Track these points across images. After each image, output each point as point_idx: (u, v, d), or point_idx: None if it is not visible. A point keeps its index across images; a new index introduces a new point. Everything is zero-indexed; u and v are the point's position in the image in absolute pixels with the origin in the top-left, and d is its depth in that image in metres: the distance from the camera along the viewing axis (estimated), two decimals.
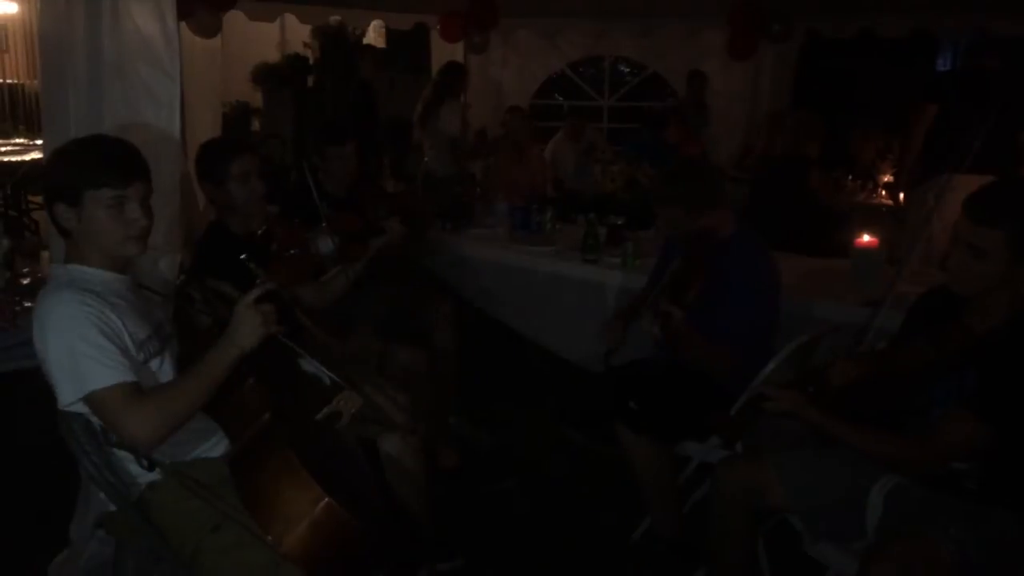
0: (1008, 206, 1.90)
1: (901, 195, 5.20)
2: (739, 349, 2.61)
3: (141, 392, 1.79)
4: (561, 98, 9.10)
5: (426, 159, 6.13)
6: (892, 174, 5.73)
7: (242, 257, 2.01)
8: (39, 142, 6.42)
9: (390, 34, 8.13)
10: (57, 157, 1.92)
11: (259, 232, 2.86)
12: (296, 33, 7.47)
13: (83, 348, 1.76)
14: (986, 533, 1.89)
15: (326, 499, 1.70)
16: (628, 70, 8.90)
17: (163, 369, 1.95)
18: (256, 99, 7.44)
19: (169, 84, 2.58)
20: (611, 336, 2.89)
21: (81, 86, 2.47)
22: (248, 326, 1.80)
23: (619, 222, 4.16)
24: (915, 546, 1.84)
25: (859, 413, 1.97)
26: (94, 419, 1.84)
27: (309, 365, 2.22)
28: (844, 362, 1.95)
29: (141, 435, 1.76)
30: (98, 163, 1.86)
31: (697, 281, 2.55)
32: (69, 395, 1.78)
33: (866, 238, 3.43)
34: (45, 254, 3.22)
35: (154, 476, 1.91)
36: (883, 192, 5.76)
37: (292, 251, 2.90)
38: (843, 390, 1.92)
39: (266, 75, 7.30)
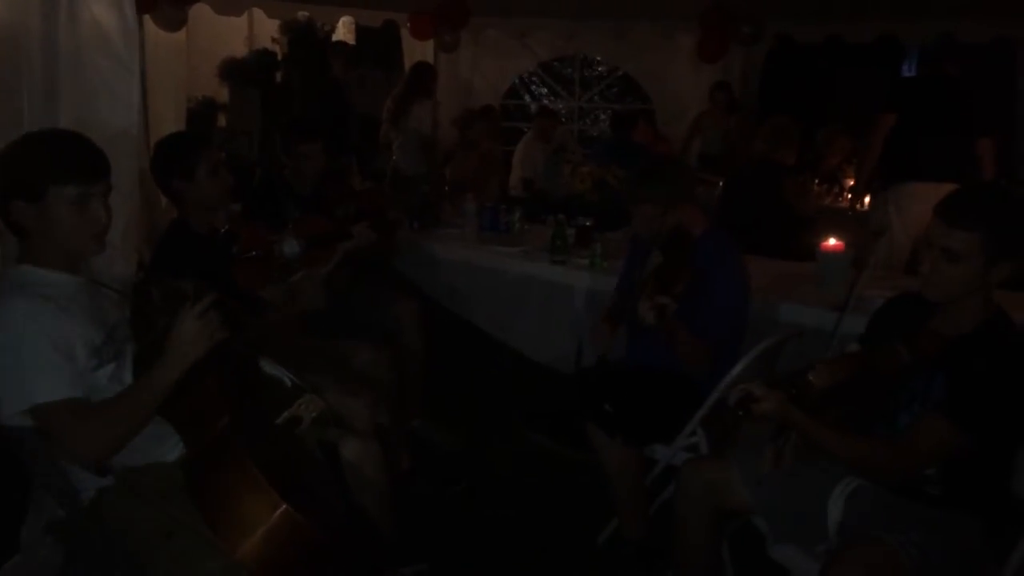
0: (983, 209, 1.90)
1: (866, 199, 5.25)
2: (714, 347, 2.63)
3: (87, 408, 1.75)
4: (529, 99, 9.09)
5: (395, 158, 6.09)
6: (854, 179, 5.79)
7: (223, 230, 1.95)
8: None
9: (359, 31, 8.05)
10: (16, 150, 1.85)
11: (222, 231, 2.81)
12: (264, 28, 7.37)
13: (31, 360, 1.71)
14: (948, 538, 1.90)
15: (283, 506, 1.67)
16: (602, 70, 8.89)
17: (119, 373, 1.89)
18: (222, 95, 7.33)
19: (128, 77, 2.54)
20: (601, 343, 2.88)
21: (36, 79, 2.41)
22: (193, 336, 1.75)
23: (587, 223, 4.14)
24: (876, 550, 1.84)
25: (839, 416, 1.97)
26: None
27: (270, 367, 2.18)
28: (824, 364, 1.94)
29: (87, 452, 1.74)
30: (64, 158, 1.81)
31: (682, 274, 2.57)
32: (13, 406, 1.73)
33: (832, 242, 3.45)
34: None
35: (105, 481, 1.86)
36: (848, 196, 5.81)
37: (254, 253, 2.85)
38: (825, 393, 1.91)
39: (233, 70, 7.19)
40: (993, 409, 1.86)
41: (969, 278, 1.90)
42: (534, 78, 9.08)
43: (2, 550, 2.49)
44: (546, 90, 9.15)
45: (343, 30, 7.98)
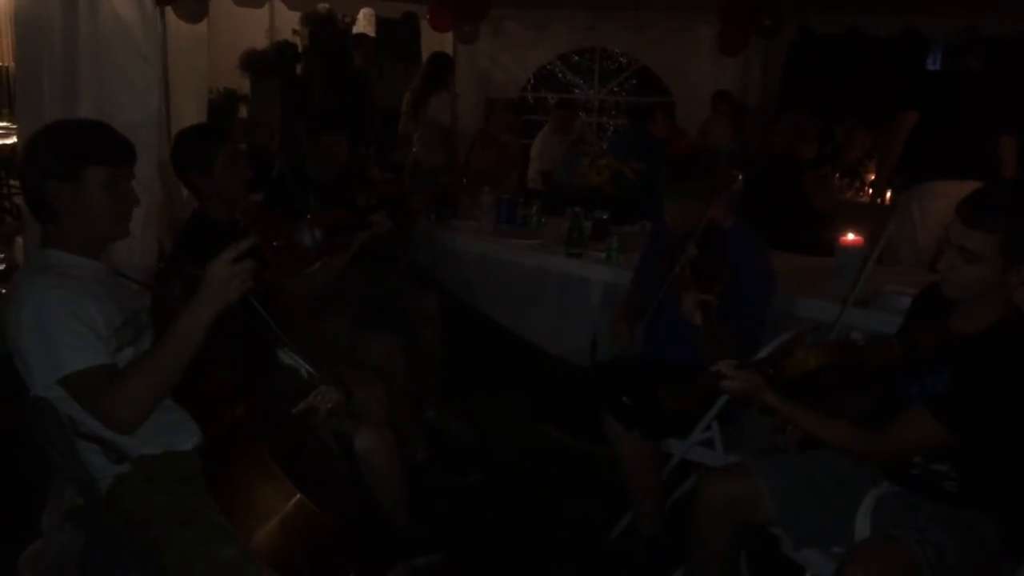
0: (1003, 210, 1.87)
1: (888, 194, 5.20)
2: (739, 340, 2.61)
3: (117, 373, 1.76)
4: (548, 93, 9.06)
5: (415, 150, 6.10)
6: (875, 174, 5.74)
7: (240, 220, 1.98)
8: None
9: (379, 22, 8.06)
10: (50, 134, 1.91)
11: (241, 222, 2.82)
12: (285, 20, 7.40)
13: (58, 332, 1.74)
14: (964, 536, 1.89)
15: (297, 495, 1.68)
16: (622, 62, 8.84)
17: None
18: (244, 86, 7.37)
19: (147, 69, 2.56)
20: (623, 342, 2.88)
21: (56, 71, 2.44)
22: (222, 284, 1.71)
23: (604, 216, 4.13)
24: (892, 548, 1.83)
25: (821, 403, 1.96)
26: (62, 410, 1.81)
27: (287, 357, 2.19)
28: (807, 350, 1.94)
29: (121, 415, 1.72)
30: (98, 141, 1.89)
31: (722, 270, 2.58)
32: (45, 379, 1.76)
33: (851, 236, 3.42)
34: (19, 239, 3.18)
35: (122, 469, 1.88)
36: (869, 190, 5.76)
37: (275, 243, 2.86)
38: (804, 376, 1.91)
39: (254, 62, 7.22)
40: (983, 409, 1.84)
41: (986, 279, 1.88)
42: (555, 71, 9.05)
43: (23, 535, 2.53)
44: (566, 83, 9.11)
45: (363, 22, 7.99)
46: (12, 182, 6.58)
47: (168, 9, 4.60)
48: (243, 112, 7.16)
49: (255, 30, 7.35)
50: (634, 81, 8.77)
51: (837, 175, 5.87)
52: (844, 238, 3.43)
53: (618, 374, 2.90)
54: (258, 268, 1.76)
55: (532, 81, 8.48)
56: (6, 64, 9.18)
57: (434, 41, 7.31)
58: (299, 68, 7.41)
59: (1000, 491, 1.95)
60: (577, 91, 9.03)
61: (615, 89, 8.90)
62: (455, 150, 6.33)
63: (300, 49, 7.46)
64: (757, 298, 2.77)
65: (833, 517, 2.07)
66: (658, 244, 3.03)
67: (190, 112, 5.24)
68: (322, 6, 7.07)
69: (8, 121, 7.94)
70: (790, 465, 2.18)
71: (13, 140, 6.72)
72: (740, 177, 5.29)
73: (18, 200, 6.35)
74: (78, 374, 1.73)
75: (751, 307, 2.72)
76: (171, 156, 2.69)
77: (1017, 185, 2.53)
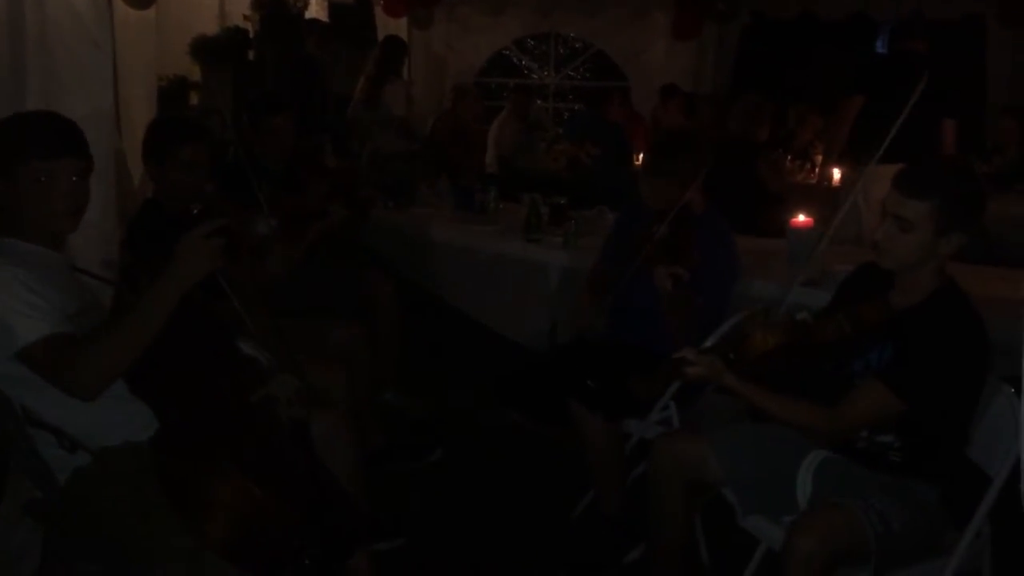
0: (936, 180, 1.97)
1: (835, 175, 5.30)
2: (703, 324, 2.67)
3: (75, 340, 1.75)
4: (504, 78, 9.06)
5: (372, 138, 6.08)
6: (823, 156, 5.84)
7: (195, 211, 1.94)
8: None
9: (332, 8, 7.97)
10: None
11: (194, 211, 2.80)
12: (236, 5, 7.28)
13: (12, 304, 1.72)
14: (908, 504, 1.96)
15: (248, 486, 1.69)
16: (578, 47, 8.87)
17: None
18: (195, 73, 7.24)
19: (100, 57, 2.52)
20: (590, 315, 2.91)
21: (3, 61, 2.39)
22: (193, 257, 1.72)
23: (562, 201, 4.16)
24: (838, 515, 1.90)
25: (777, 381, 2.02)
26: (15, 400, 1.79)
27: (247, 346, 2.19)
28: (764, 330, 2.00)
29: (84, 380, 1.71)
30: (30, 136, 1.84)
31: (692, 250, 2.63)
32: (2, 352, 1.73)
33: (801, 218, 3.49)
34: None
35: (81, 462, 1.87)
36: (817, 172, 5.87)
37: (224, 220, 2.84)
38: (762, 357, 1.98)
39: (204, 48, 7.10)
40: (930, 379, 1.92)
41: (920, 247, 1.96)
42: (511, 56, 9.05)
43: None
44: (522, 68, 9.11)
45: (316, 7, 7.90)
46: None
47: None
48: (194, 99, 7.05)
49: (205, 15, 7.22)
50: (590, 66, 8.81)
51: (789, 158, 5.97)
52: (795, 220, 3.50)
53: (579, 357, 2.93)
54: (229, 247, 1.76)
55: (487, 67, 8.47)
56: None
57: (388, 27, 7.26)
58: (251, 54, 7.30)
59: (941, 459, 2.03)
60: (533, 76, 9.04)
61: (571, 74, 8.93)
62: (416, 136, 6.31)
63: (251, 35, 7.35)
64: (724, 284, 2.82)
65: (781, 484, 2.13)
66: (628, 225, 3.06)
67: (140, 100, 5.16)
68: None
69: None
70: (740, 431, 2.26)
71: None
72: None
73: None
74: (38, 343, 1.71)
75: (717, 292, 2.77)
76: (143, 142, 2.70)
77: (951, 159, 2.65)
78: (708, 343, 2.55)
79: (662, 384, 2.23)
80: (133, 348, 1.73)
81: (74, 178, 1.87)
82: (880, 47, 8.78)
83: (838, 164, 5.10)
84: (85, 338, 1.76)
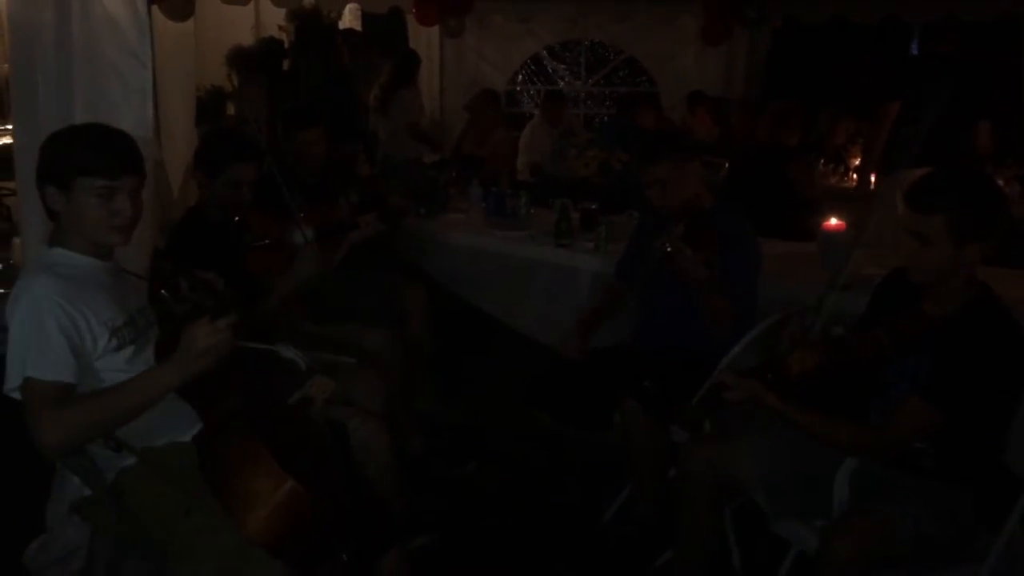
0: (943, 192, 1.95)
1: (872, 179, 5.26)
2: (736, 313, 2.70)
3: (70, 398, 1.78)
4: (535, 85, 9.09)
5: (383, 146, 6.17)
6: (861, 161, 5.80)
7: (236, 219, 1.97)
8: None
9: (365, 18, 8.07)
10: (55, 140, 1.94)
11: (235, 221, 2.86)
12: (271, 16, 7.39)
13: (37, 337, 1.77)
14: (942, 509, 1.96)
15: (289, 481, 1.73)
16: (609, 54, 8.89)
17: (139, 356, 1.97)
18: (231, 84, 7.37)
19: (140, 69, 2.58)
20: (574, 346, 2.97)
21: (50, 72, 2.47)
22: (201, 350, 1.73)
23: (592, 206, 4.19)
24: (873, 521, 1.91)
25: (818, 400, 2.02)
26: None
27: (285, 350, 2.24)
28: (803, 350, 2.00)
29: (49, 438, 1.73)
30: (92, 151, 1.88)
31: (712, 236, 2.65)
32: (13, 379, 1.78)
33: (833, 221, 3.48)
34: (17, 240, 3.20)
35: (127, 461, 1.93)
36: (853, 176, 5.83)
37: (267, 241, 2.90)
38: (802, 377, 1.98)
39: (240, 59, 7.21)
40: (969, 389, 1.91)
41: (942, 261, 1.95)
42: (542, 62, 9.08)
43: (28, 530, 2.57)
44: (553, 74, 9.14)
45: (349, 17, 8.00)
46: (3, 184, 6.55)
47: (154, 8, 4.62)
48: (231, 109, 7.17)
49: (241, 27, 7.34)
50: (621, 72, 8.82)
51: (822, 161, 5.94)
52: (827, 223, 3.49)
53: (619, 361, 2.95)
54: (234, 338, 1.76)
55: (519, 74, 8.52)
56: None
57: (420, 35, 7.33)
58: (286, 64, 7.41)
59: (974, 464, 2.02)
60: (564, 83, 9.06)
61: (601, 81, 8.94)
62: (430, 142, 6.39)
63: (286, 45, 7.46)
64: (745, 274, 2.83)
65: (814, 488, 2.13)
66: (642, 238, 3.08)
67: (178, 111, 5.26)
68: (308, 2, 7.08)
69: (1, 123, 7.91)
70: (772, 434, 2.25)
71: (7, 141, 6.70)
72: (727, 165, 5.36)
73: (8, 202, 6.35)
74: (34, 382, 1.75)
75: (740, 283, 2.78)
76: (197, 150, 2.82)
77: (960, 168, 2.61)
78: (737, 349, 2.57)
79: (705, 413, 2.24)
80: (108, 423, 1.80)
81: (131, 194, 1.91)
82: (914, 50, 8.71)
83: (876, 168, 5.06)
84: (72, 399, 1.78)
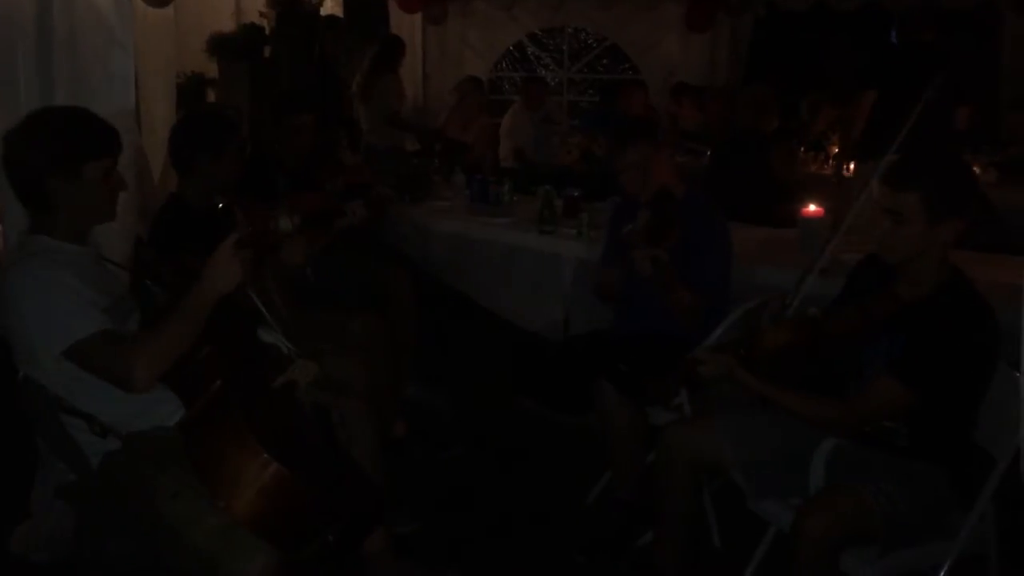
0: (919, 169, 2.00)
1: (851, 166, 5.31)
2: (704, 303, 2.73)
3: (123, 337, 1.85)
4: (518, 72, 9.08)
5: (365, 133, 6.17)
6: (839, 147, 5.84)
7: (219, 205, 2.01)
8: None
9: (347, 4, 8.03)
10: (48, 128, 1.94)
11: (218, 207, 2.86)
12: (252, 2, 7.34)
13: (61, 304, 1.81)
14: (915, 486, 2.01)
15: (273, 464, 1.76)
16: (592, 42, 8.88)
17: None
18: (211, 70, 7.31)
19: (122, 56, 2.58)
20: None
21: (31, 61, 2.45)
22: (226, 269, 1.82)
23: (575, 193, 4.21)
24: (847, 499, 1.95)
25: (790, 376, 2.06)
26: (50, 389, 1.86)
27: (268, 335, 2.26)
28: (776, 327, 2.04)
29: (141, 375, 1.80)
30: (94, 132, 1.92)
31: (672, 229, 2.67)
32: (55, 349, 1.81)
33: (812, 207, 3.52)
34: None
35: (112, 445, 1.94)
36: (833, 163, 5.87)
37: (251, 228, 2.90)
38: (774, 354, 2.02)
39: (221, 46, 7.16)
40: (939, 369, 1.96)
41: (917, 239, 1.99)
42: (525, 50, 9.07)
43: (13, 516, 2.58)
44: (535, 62, 9.12)
45: (331, 3, 7.95)
46: None
47: None
48: (211, 96, 7.12)
49: (222, 13, 7.28)
50: (605, 60, 8.82)
51: (802, 148, 5.98)
52: (806, 210, 3.53)
53: (600, 346, 2.98)
54: (255, 259, 1.84)
55: (502, 61, 8.50)
56: None
57: (403, 22, 7.31)
58: (267, 51, 7.36)
59: (947, 442, 2.07)
60: (547, 71, 9.06)
61: (584, 68, 8.94)
62: (410, 129, 6.38)
63: (267, 32, 7.41)
64: (715, 261, 2.86)
65: (792, 468, 2.17)
66: (619, 217, 3.12)
67: (159, 98, 5.21)
68: None
69: None
70: (751, 415, 2.29)
71: None
72: (708, 153, 5.39)
73: None
74: (85, 341, 1.80)
75: (710, 271, 2.82)
76: (174, 137, 2.78)
77: (936, 148, 2.67)
78: (717, 333, 2.61)
79: (676, 385, 2.28)
80: (179, 346, 1.85)
81: (117, 171, 1.98)
82: (894, 37, 8.76)
83: (853, 155, 5.11)
84: (135, 336, 1.86)
